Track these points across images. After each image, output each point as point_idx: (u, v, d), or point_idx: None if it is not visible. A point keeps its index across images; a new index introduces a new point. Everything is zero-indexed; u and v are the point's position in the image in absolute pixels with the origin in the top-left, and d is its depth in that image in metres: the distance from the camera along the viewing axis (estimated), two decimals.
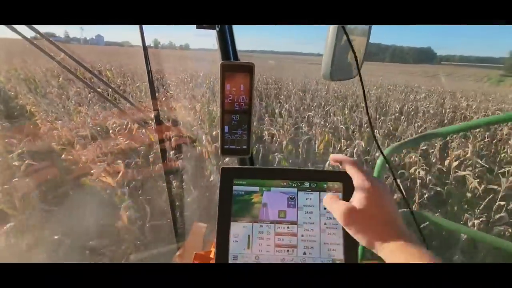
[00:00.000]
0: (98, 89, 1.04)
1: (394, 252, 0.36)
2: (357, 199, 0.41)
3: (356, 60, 0.52)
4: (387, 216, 0.39)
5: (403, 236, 0.36)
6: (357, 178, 0.43)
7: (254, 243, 0.48)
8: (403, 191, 0.54)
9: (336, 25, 0.53)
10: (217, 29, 0.53)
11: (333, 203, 0.44)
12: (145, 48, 0.82)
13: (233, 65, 0.54)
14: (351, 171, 0.44)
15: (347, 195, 0.48)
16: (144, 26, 0.80)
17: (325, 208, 0.49)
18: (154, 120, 0.95)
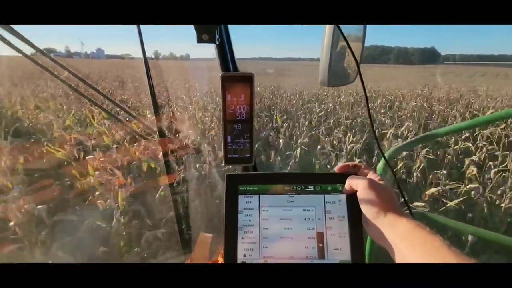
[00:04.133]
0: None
1: (393, 224, 0.43)
2: (374, 180, 0.48)
3: (358, 64, 0.53)
4: (393, 198, 0.47)
5: (402, 214, 0.44)
6: (371, 174, 0.50)
7: (262, 247, 0.48)
8: (403, 192, 0.57)
9: (331, 33, 0.54)
10: (217, 42, 0.54)
11: (357, 177, 0.50)
12: (146, 61, 0.84)
13: (233, 76, 0.55)
14: (366, 170, 0.51)
15: (349, 196, 0.49)
16: (144, 38, 0.81)
17: (329, 211, 0.49)
18: (157, 133, 0.97)
